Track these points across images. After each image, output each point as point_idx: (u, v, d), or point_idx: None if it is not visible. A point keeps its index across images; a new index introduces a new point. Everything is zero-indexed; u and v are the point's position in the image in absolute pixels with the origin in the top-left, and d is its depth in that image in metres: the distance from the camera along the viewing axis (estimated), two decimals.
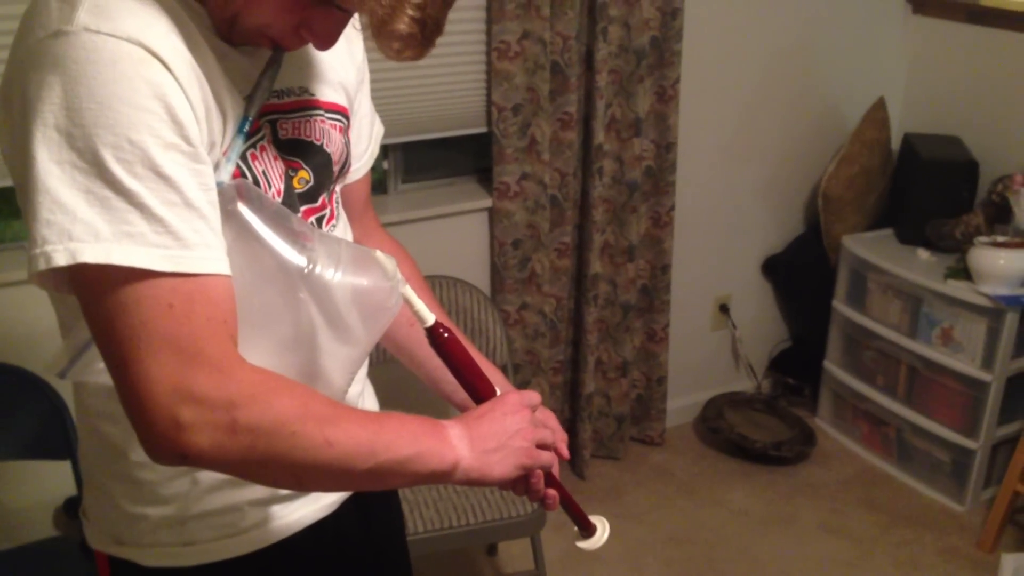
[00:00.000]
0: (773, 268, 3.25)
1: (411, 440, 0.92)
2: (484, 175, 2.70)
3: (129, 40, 0.82)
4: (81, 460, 1.12)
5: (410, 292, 1.00)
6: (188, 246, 0.82)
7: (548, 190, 2.60)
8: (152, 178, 0.81)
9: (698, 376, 3.25)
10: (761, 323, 3.33)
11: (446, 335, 1.04)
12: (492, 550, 2.64)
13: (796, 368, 3.32)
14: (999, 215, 2.74)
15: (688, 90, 2.77)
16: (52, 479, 2.16)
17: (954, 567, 2.57)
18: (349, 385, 1.04)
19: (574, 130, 2.58)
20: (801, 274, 3.21)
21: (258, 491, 1.05)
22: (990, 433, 2.69)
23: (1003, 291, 2.55)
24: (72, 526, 2.19)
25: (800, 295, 3.28)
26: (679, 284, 2.99)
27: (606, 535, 1.17)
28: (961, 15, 3.00)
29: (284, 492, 1.08)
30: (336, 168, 1.10)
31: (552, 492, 1.07)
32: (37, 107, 0.80)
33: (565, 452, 1.12)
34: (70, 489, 2.11)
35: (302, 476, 0.88)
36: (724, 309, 3.22)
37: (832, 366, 3.13)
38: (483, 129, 2.57)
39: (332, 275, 0.94)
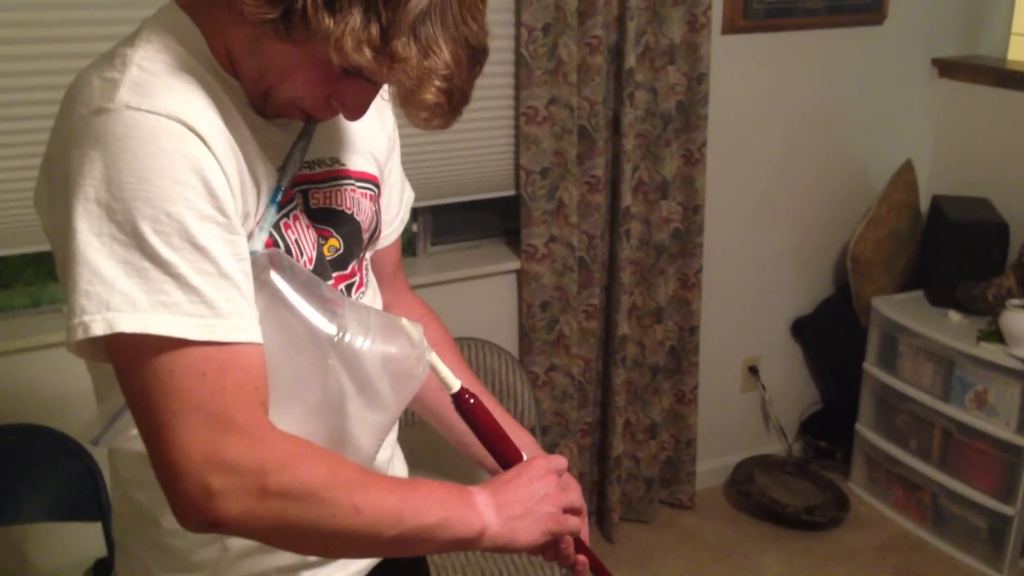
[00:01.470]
0: (802, 330, 3.23)
1: (438, 507, 0.92)
2: (513, 237, 2.72)
3: (168, 116, 0.85)
4: (114, 527, 1.13)
5: (435, 359, 1.02)
6: (222, 315, 0.84)
7: (576, 252, 2.61)
8: (188, 249, 0.83)
9: (728, 438, 3.22)
10: (791, 385, 3.31)
11: (471, 401, 1.04)
12: None
13: (828, 431, 3.28)
14: None
15: (715, 153, 2.79)
16: (83, 541, 2.17)
17: None
18: (377, 451, 1.05)
19: (602, 193, 2.60)
20: (831, 336, 3.19)
21: (287, 558, 1.05)
22: None
23: None
24: None
25: (830, 357, 3.26)
26: (708, 345, 2.98)
27: None
28: (987, 78, 3.02)
29: (312, 559, 1.08)
30: (366, 236, 1.12)
31: (582, 558, 1.07)
32: (79, 181, 0.83)
33: (585, 532, 1.11)
34: (100, 551, 2.12)
35: (330, 543, 0.88)
36: (753, 371, 3.20)
37: (864, 429, 3.09)
38: (512, 192, 2.61)
39: (361, 343, 0.95)
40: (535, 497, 1.00)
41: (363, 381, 0.96)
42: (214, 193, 0.86)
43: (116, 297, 0.81)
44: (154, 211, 0.82)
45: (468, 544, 0.95)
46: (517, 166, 2.55)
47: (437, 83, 0.87)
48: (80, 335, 0.81)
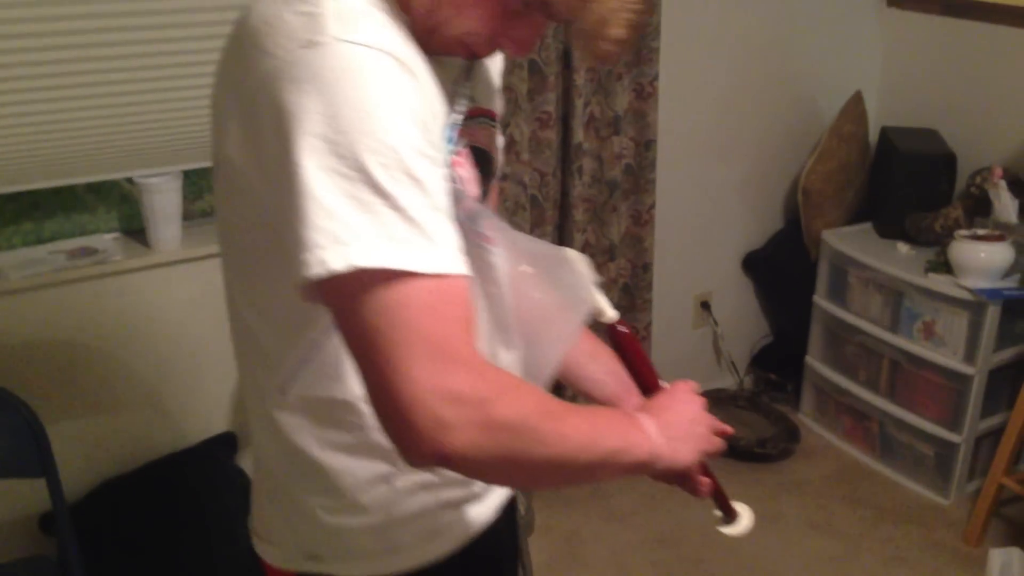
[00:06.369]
0: (753, 264, 3.24)
1: (620, 432, 0.95)
2: None
3: (380, 49, 0.84)
4: (264, 479, 1.12)
5: (596, 290, 1.03)
6: (440, 248, 0.83)
7: (528, 190, 2.57)
8: (408, 182, 0.82)
9: (680, 373, 3.16)
10: (742, 319, 3.32)
11: (625, 331, 1.08)
12: None
13: (778, 364, 3.31)
14: (978, 208, 2.74)
15: (666, 87, 2.75)
16: (22, 497, 2.11)
17: (941, 562, 2.57)
18: (551, 380, 1.08)
19: (553, 129, 2.55)
20: (781, 270, 3.21)
21: (453, 493, 1.08)
22: (973, 426, 2.69)
23: (984, 284, 2.55)
24: (48, 543, 2.13)
25: (781, 291, 3.28)
26: (660, 282, 2.97)
27: (750, 522, 1.21)
28: (935, 7, 3.00)
29: (472, 491, 1.11)
30: (495, 175, 1.13)
31: (706, 480, 1.13)
32: (299, 116, 0.81)
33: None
34: (44, 506, 2.06)
35: (536, 472, 0.89)
36: (705, 306, 3.20)
37: (814, 361, 3.12)
38: None
39: (532, 273, 0.97)
40: (689, 419, 1.04)
41: (535, 310, 0.98)
42: (425, 126, 0.85)
43: (348, 232, 0.80)
44: (376, 144, 0.81)
45: (640, 468, 0.97)
46: None
47: (626, 16, 0.87)
48: (318, 270, 0.80)
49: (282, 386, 0.99)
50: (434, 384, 0.80)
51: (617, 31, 0.87)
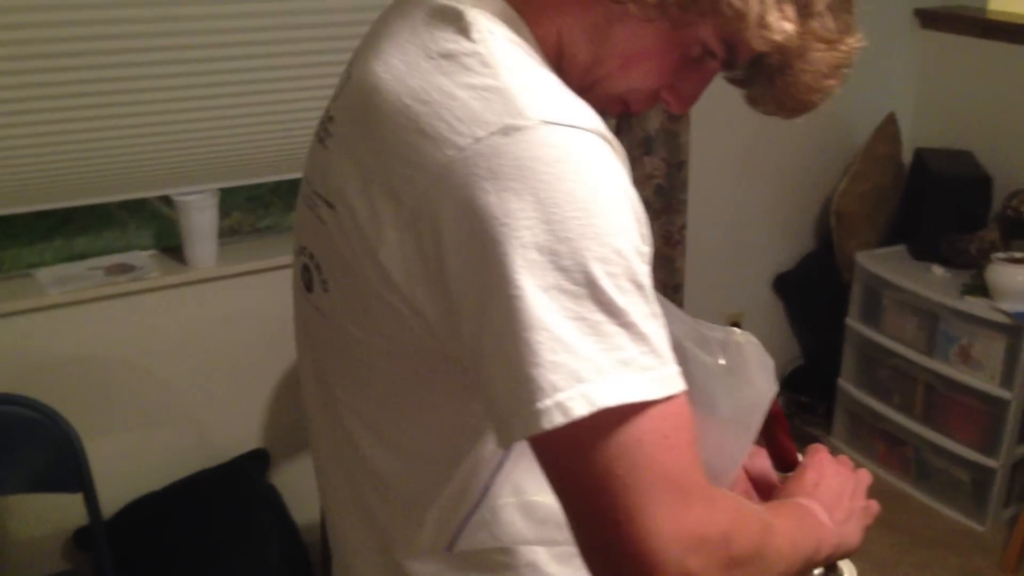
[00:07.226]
0: (784, 285, 3.22)
1: (809, 530, 0.86)
2: None
3: (591, 130, 0.70)
4: None
5: (770, 373, 0.95)
6: (667, 363, 0.69)
7: None
8: (633, 291, 0.68)
9: None
10: (773, 341, 3.30)
11: (777, 408, 1.01)
12: None
13: (809, 386, 3.28)
14: (1014, 230, 2.71)
15: (698, 107, 2.72)
16: (60, 511, 2.12)
17: None
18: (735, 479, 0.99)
19: None
20: (813, 291, 3.18)
21: None
22: (1010, 451, 2.65)
23: (1022, 307, 2.52)
24: (82, 558, 2.14)
25: (812, 312, 3.25)
26: (691, 303, 2.95)
27: None
28: (969, 29, 2.99)
29: None
30: None
31: None
32: (507, 223, 0.66)
33: None
34: (80, 520, 2.07)
35: None
36: (736, 327, 3.18)
37: (847, 384, 3.09)
38: None
39: (723, 365, 0.87)
40: (846, 494, 0.95)
41: (711, 405, 0.87)
42: (639, 218, 0.71)
43: (585, 365, 0.66)
44: (603, 250, 0.67)
45: (823, 562, 0.88)
46: None
47: (845, 62, 0.79)
48: (560, 420, 0.65)
49: (451, 542, 0.86)
50: (678, 532, 0.67)
51: (832, 81, 0.79)
